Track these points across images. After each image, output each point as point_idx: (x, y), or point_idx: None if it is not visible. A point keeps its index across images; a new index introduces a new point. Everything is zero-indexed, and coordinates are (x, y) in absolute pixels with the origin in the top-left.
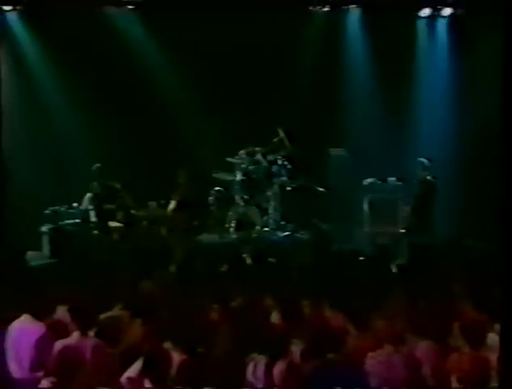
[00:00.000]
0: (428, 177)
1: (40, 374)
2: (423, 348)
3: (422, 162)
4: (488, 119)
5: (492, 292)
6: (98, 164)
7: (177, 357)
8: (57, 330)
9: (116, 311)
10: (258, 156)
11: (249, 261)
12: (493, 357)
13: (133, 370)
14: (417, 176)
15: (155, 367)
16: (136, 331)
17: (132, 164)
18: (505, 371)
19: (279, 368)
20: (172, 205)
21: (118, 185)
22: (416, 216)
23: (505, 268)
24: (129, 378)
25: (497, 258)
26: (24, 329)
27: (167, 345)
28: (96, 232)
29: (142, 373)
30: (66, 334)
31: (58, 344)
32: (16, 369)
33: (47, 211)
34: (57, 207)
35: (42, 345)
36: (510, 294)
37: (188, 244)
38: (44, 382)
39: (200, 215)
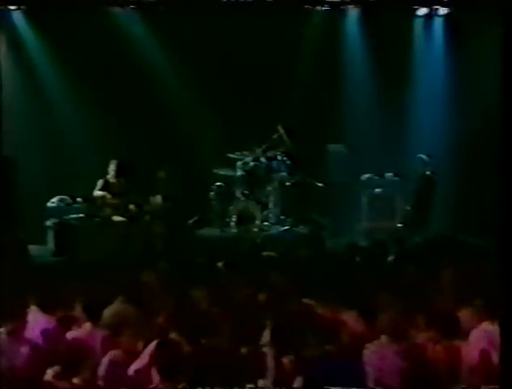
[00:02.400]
0: (428, 172)
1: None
2: (418, 339)
3: (422, 158)
4: (483, 116)
5: (486, 286)
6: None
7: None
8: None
9: (118, 304)
10: (258, 153)
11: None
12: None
13: (140, 362)
14: (417, 171)
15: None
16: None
17: (134, 159)
18: (505, 363)
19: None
20: (158, 200)
21: (122, 181)
22: (416, 211)
23: (503, 263)
24: (136, 371)
25: (493, 253)
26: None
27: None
28: (100, 226)
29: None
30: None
31: (69, 335)
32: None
33: (51, 206)
34: (61, 202)
35: (49, 337)
36: (508, 288)
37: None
38: (50, 372)
39: (201, 210)
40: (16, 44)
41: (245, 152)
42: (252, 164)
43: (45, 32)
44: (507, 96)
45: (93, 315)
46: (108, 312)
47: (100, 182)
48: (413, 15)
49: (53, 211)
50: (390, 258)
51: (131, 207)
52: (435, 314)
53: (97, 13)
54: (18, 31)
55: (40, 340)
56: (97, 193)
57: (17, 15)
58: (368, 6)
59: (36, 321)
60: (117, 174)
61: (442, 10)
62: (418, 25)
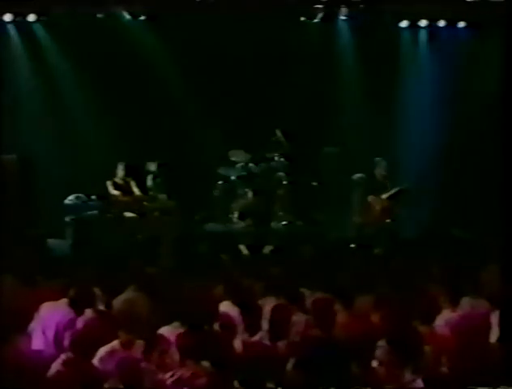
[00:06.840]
0: (383, 173)
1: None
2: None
3: (375, 161)
4: (474, 119)
5: (474, 280)
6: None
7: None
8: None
9: (129, 293)
10: (258, 154)
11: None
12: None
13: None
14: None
15: None
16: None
17: (143, 160)
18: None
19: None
20: (165, 197)
21: (130, 180)
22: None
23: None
24: None
25: (481, 246)
26: (54, 309)
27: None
28: (112, 222)
29: None
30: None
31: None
32: (40, 342)
33: (69, 203)
34: (77, 200)
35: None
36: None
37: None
38: (62, 356)
39: (206, 207)
40: (32, 48)
41: (245, 153)
42: (252, 164)
43: (60, 37)
44: (505, 100)
45: (106, 303)
46: (119, 300)
47: (109, 184)
48: (399, 28)
49: (71, 208)
50: (380, 250)
51: (141, 204)
52: (423, 304)
53: (112, 23)
54: (38, 41)
55: (58, 328)
56: (113, 192)
57: (37, 26)
58: (358, 19)
59: (57, 309)
60: (126, 174)
61: (424, 23)
62: (405, 36)
